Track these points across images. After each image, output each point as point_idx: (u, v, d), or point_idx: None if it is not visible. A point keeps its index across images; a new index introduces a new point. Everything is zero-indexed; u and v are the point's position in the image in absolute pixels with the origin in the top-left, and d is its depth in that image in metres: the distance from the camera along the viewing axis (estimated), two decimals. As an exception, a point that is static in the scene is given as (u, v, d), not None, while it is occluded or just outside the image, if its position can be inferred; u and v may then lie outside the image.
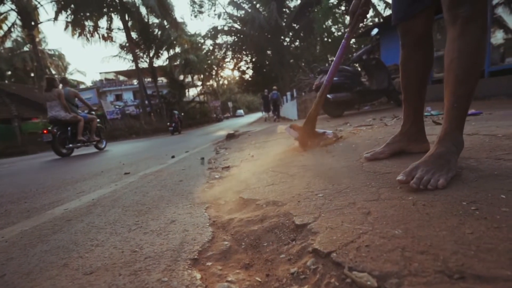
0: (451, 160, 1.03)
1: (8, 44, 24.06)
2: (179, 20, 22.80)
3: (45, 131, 5.77)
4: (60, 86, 6.27)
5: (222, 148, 4.46)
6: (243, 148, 3.70)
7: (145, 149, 6.35)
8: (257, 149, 3.15)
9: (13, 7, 15.70)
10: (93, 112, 6.93)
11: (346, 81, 6.36)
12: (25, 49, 27.07)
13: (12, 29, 16.90)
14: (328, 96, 6.18)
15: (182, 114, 13.92)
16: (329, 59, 20.03)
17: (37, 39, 18.16)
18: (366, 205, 0.93)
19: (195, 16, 26.13)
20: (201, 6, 25.30)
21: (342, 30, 16.83)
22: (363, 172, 1.34)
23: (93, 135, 6.63)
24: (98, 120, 6.87)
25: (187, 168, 2.67)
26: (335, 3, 17.21)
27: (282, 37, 24.63)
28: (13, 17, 32.04)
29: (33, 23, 16.37)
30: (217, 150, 4.29)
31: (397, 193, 1.00)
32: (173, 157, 3.86)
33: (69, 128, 6.03)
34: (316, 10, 16.64)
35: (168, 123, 13.24)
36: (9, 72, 27.81)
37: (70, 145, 6.11)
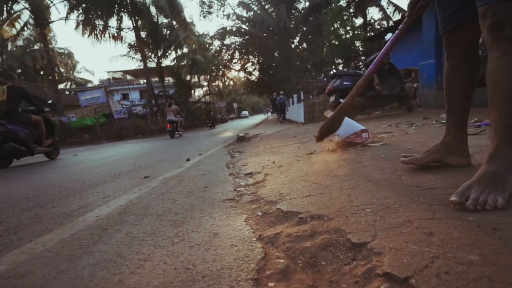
0: (505, 178, 1.00)
1: (19, 42, 24.42)
2: (188, 20, 22.91)
3: (168, 125, 11.29)
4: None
5: (236, 151, 4.44)
6: (259, 152, 3.68)
7: (156, 150, 6.36)
8: (276, 155, 3.12)
9: (27, 5, 15.90)
10: (181, 116, 12.11)
11: (358, 86, 6.31)
12: (35, 47, 27.40)
13: (25, 28, 17.14)
14: (341, 100, 6.14)
15: (216, 115, 18.94)
16: (336, 61, 19.99)
17: (47, 38, 18.34)
18: (424, 224, 0.90)
19: (204, 17, 26.25)
20: (210, 6, 25.38)
21: (350, 33, 16.76)
22: (405, 186, 1.30)
23: (182, 128, 12.23)
24: (183, 120, 12.48)
25: (207, 173, 2.65)
26: (345, 5, 17.16)
27: (290, 39, 24.60)
28: (25, 15, 32.53)
29: (45, 22, 16.54)
30: (231, 153, 4.27)
31: (453, 212, 0.96)
32: (188, 160, 3.84)
33: (175, 125, 11.43)
34: (325, 11, 16.57)
35: (207, 121, 18.68)
36: (19, 70, 28.14)
37: (175, 133, 11.46)
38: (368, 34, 15.84)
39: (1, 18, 16.01)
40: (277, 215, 1.27)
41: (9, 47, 26.53)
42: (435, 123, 3.57)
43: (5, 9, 15.36)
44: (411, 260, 0.72)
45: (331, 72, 7.23)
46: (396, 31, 1.48)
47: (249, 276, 0.78)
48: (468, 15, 1.25)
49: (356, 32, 16.56)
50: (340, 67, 18.95)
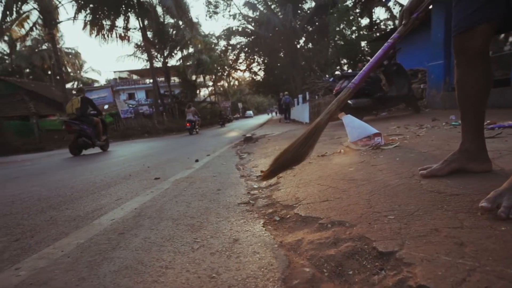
0: None
1: (28, 42, 24.71)
2: (194, 20, 23.00)
3: (188, 124, 13.16)
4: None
5: (244, 152, 4.42)
6: (268, 154, 3.66)
7: (163, 150, 6.36)
8: (286, 156, 3.09)
9: (36, 6, 16.12)
10: (198, 116, 14.60)
11: (366, 87, 6.26)
12: (44, 47, 27.71)
13: (33, 28, 17.38)
14: (349, 101, 6.09)
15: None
16: (341, 61, 19.91)
17: (55, 38, 18.56)
18: (454, 234, 0.87)
19: (210, 17, 26.32)
20: (216, 6, 25.44)
21: (356, 34, 16.67)
22: (426, 191, 1.27)
23: (198, 127, 14.39)
24: (199, 119, 14.93)
25: (217, 175, 2.64)
26: (351, 5, 17.07)
27: (296, 39, 24.54)
28: (34, 16, 33.00)
29: (53, 22, 16.74)
30: (239, 154, 4.25)
31: (482, 220, 0.93)
32: (197, 161, 3.83)
33: (193, 123, 13.24)
34: (332, 10, 16.48)
35: (219, 120, 21.05)
36: (27, 70, 28.47)
37: (193, 130, 13.22)
38: (374, 35, 15.71)
39: (10, 18, 16.23)
40: (296, 220, 1.25)
41: (18, 47, 26.90)
42: (445, 125, 3.52)
43: (14, 9, 15.57)
44: (446, 273, 0.70)
45: (336, 73, 7.17)
46: (389, 40, 1.40)
47: (276, 286, 0.77)
48: (484, 16, 1.21)
49: (361, 32, 16.46)
50: (345, 68, 18.86)
